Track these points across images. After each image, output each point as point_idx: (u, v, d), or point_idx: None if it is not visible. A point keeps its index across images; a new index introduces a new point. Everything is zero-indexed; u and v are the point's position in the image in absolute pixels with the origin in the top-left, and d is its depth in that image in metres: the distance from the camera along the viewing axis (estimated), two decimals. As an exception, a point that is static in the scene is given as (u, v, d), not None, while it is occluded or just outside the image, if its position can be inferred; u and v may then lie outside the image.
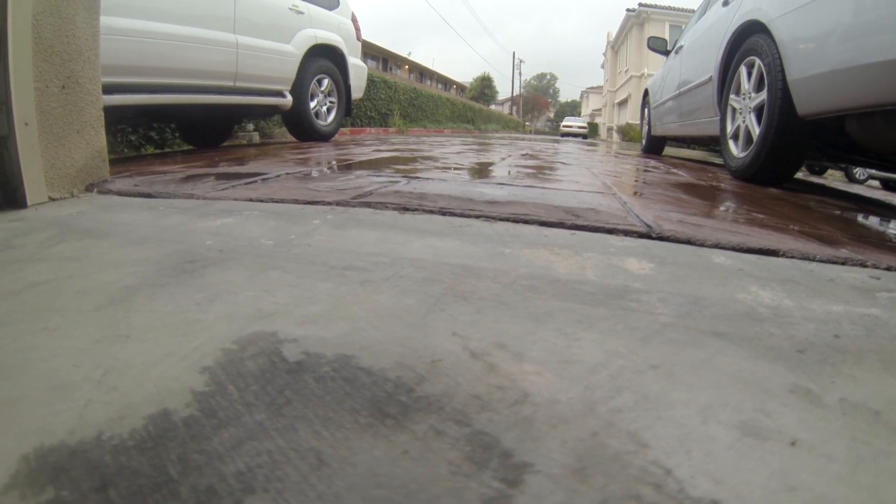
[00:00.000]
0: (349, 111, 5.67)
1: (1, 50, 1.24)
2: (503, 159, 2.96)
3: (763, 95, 2.58)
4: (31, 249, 0.90)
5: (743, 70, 2.92)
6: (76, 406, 0.45)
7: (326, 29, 5.03)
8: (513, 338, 0.57)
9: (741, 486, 0.38)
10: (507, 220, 1.07)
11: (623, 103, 30.62)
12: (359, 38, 5.85)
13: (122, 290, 0.69)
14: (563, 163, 3.06)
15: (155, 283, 0.70)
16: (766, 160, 2.56)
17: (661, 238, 1.06)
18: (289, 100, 4.54)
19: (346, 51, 5.33)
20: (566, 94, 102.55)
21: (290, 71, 4.54)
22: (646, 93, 6.68)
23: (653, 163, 3.86)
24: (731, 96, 3.09)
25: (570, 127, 33.37)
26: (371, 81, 11.50)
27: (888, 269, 1.01)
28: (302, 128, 4.93)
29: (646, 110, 6.69)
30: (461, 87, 55.76)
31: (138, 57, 3.09)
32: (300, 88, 4.65)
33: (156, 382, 0.48)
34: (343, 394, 0.46)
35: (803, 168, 5.99)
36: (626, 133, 23.04)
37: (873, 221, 1.78)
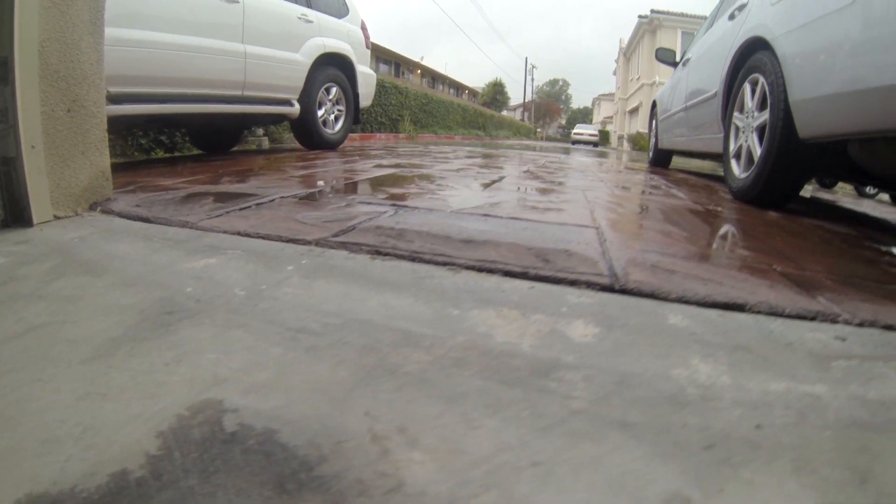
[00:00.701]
0: (357, 119, 5.71)
1: (8, 76, 1.28)
2: (501, 178, 2.95)
3: (766, 115, 2.54)
4: (34, 283, 0.94)
5: (747, 87, 2.88)
6: (59, 460, 0.51)
7: (335, 37, 5.07)
8: (417, 421, 0.57)
9: None
10: (472, 268, 1.05)
11: (634, 111, 30.52)
12: (368, 45, 5.88)
13: (108, 342, 0.73)
14: (560, 183, 3.04)
15: (135, 337, 0.74)
16: (766, 183, 2.53)
17: (623, 291, 1.00)
18: (296, 108, 4.58)
19: (354, 59, 5.36)
20: (578, 100, 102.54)
21: (299, 79, 4.58)
22: (654, 104, 6.67)
23: (655, 180, 3.83)
24: (735, 114, 3.06)
25: (581, 135, 33.41)
26: (382, 87, 11.56)
27: (860, 325, 0.94)
28: (309, 136, 4.97)
29: (653, 122, 6.67)
30: (473, 92, 55.88)
31: (147, 67, 3.15)
32: (308, 97, 4.69)
33: (122, 443, 0.54)
34: (259, 467, 0.50)
35: (813, 180, 5.94)
36: (637, 142, 22.97)
37: (867, 253, 1.72)
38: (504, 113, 48.54)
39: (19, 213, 1.35)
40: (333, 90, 5.12)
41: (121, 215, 1.46)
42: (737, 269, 1.24)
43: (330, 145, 5.17)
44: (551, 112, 77.00)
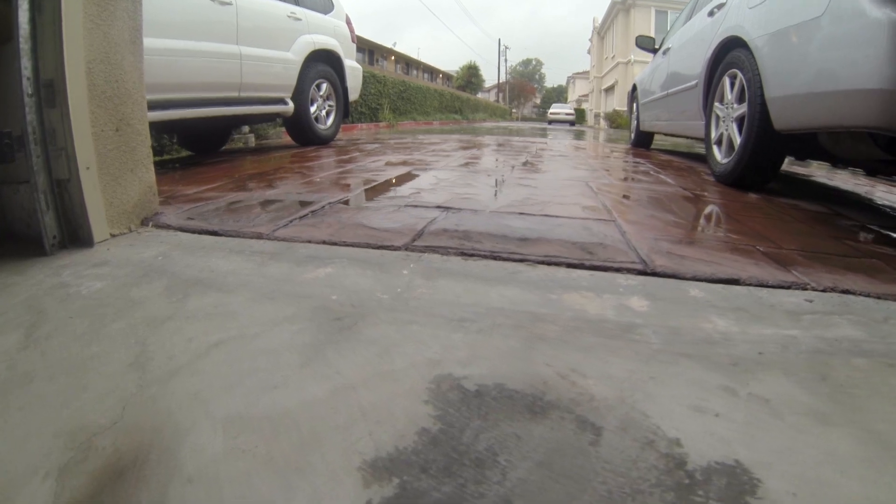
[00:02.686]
0: (347, 113, 5.80)
1: (59, 98, 1.32)
2: (505, 173, 3.14)
3: (744, 108, 2.73)
4: (164, 305, 0.99)
5: (726, 81, 3.06)
6: (378, 429, 0.67)
7: (323, 33, 5.13)
8: (578, 364, 0.83)
9: (693, 432, 0.69)
10: (543, 262, 1.29)
11: (610, 89, 30.73)
12: (353, 39, 5.94)
13: (306, 347, 0.85)
14: (558, 172, 3.24)
15: (328, 341, 0.87)
16: (745, 168, 2.75)
17: (654, 274, 1.30)
18: (291, 106, 4.66)
19: (342, 54, 5.43)
20: (552, 79, 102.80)
21: (292, 77, 4.66)
22: (634, 87, 6.86)
23: (642, 165, 4.05)
24: (716, 104, 3.24)
25: (558, 114, 33.49)
26: (361, 76, 11.55)
27: (824, 290, 1.25)
28: (303, 132, 5.06)
29: (634, 104, 6.87)
30: (448, 76, 55.59)
31: (149, 74, 3.20)
32: (301, 94, 4.77)
33: (403, 412, 0.70)
34: (509, 406, 0.73)
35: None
36: (614, 120, 23.23)
37: (832, 231, 1.94)
38: (479, 95, 48.50)
39: (74, 233, 1.40)
40: (324, 86, 5.20)
41: (181, 229, 1.54)
42: (729, 252, 1.53)
43: (323, 141, 5.27)
44: (525, 92, 77.08)
